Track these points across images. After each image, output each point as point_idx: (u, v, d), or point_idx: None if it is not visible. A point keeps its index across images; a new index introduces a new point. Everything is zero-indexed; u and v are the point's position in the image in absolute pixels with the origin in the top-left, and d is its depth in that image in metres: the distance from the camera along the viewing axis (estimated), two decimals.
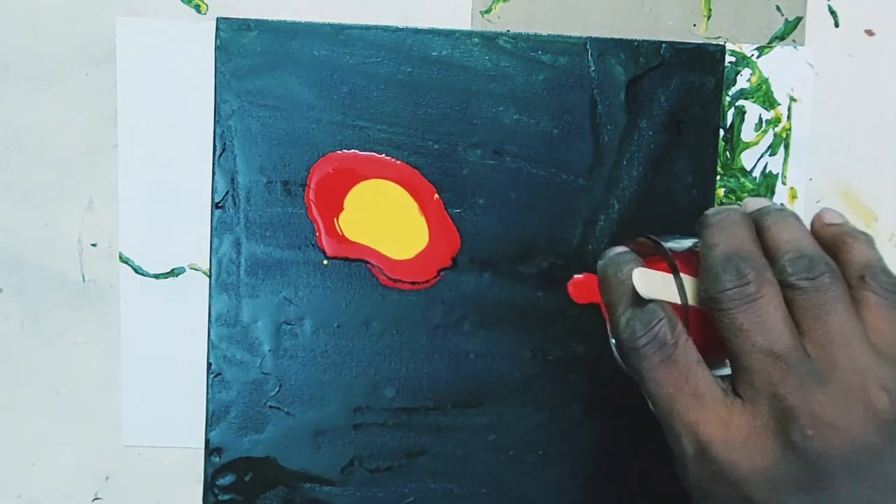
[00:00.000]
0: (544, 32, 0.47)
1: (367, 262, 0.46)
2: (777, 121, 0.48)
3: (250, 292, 0.46)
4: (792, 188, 0.48)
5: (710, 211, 0.37)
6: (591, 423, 0.47)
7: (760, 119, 0.48)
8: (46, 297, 0.47)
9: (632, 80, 0.46)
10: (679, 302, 0.36)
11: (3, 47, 0.47)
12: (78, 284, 0.47)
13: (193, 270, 0.47)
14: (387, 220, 0.46)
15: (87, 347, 0.48)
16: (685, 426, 0.34)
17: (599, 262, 0.38)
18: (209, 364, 0.46)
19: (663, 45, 0.46)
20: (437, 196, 0.46)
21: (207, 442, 0.46)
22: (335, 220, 0.46)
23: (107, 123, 0.47)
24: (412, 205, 0.46)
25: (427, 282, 0.46)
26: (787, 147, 0.48)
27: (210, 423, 0.46)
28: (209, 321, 0.46)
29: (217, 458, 0.46)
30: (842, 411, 0.31)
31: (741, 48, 0.48)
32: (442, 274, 0.46)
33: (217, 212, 0.46)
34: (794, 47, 0.48)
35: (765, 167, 0.48)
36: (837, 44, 0.48)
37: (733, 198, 0.48)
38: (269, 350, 0.46)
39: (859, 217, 0.49)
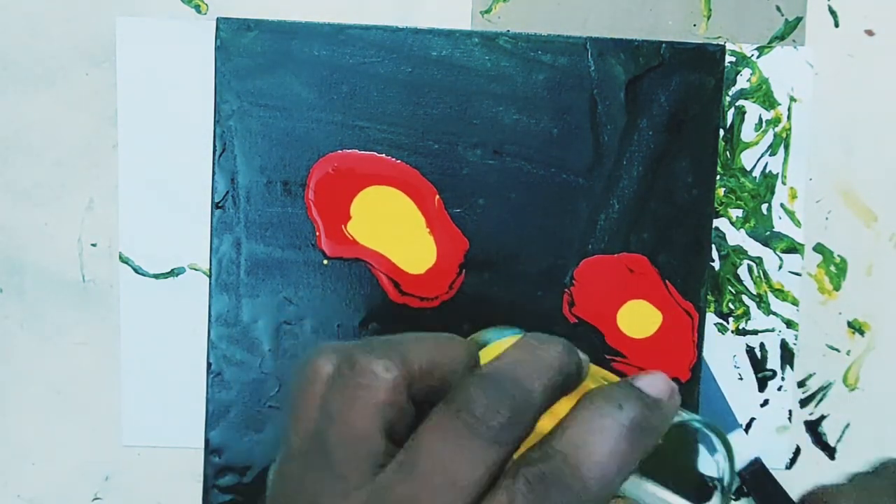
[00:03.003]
0: (544, 32, 0.47)
1: (369, 264, 0.46)
2: (777, 121, 0.48)
3: (250, 292, 0.46)
4: (792, 188, 0.48)
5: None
6: None
7: (760, 119, 0.48)
8: (46, 297, 0.47)
9: (632, 80, 0.46)
10: None
11: (3, 47, 0.47)
12: (78, 284, 0.47)
13: (193, 270, 0.47)
14: (394, 232, 0.46)
15: (87, 347, 0.48)
16: None
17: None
18: (209, 364, 0.46)
19: (663, 45, 0.46)
20: (437, 198, 0.46)
21: (207, 442, 0.46)
22: (343, 227, 0.46)
23: (107, 123, 0.47)
24: (418, 217, 0.46)
25: (437, 298, 0.46)
26: (787, 147, 0.48)
27: (210, 423, 0.46)
28: (209, 321, 0.46)
29: (217, 458, 0.46)
30: None
31: (741, 48, 0.48)
32: (452, 291, 0.46)
33: (217, 212, 0.46)
34: (794, 47, 0.48)
35: (765, 167, 0.48)
36: (837, 44, 0.48)
37: (733, 197, 0.48)
38: (269, 350, 0.46)
39: (859, 217, 0.49)
